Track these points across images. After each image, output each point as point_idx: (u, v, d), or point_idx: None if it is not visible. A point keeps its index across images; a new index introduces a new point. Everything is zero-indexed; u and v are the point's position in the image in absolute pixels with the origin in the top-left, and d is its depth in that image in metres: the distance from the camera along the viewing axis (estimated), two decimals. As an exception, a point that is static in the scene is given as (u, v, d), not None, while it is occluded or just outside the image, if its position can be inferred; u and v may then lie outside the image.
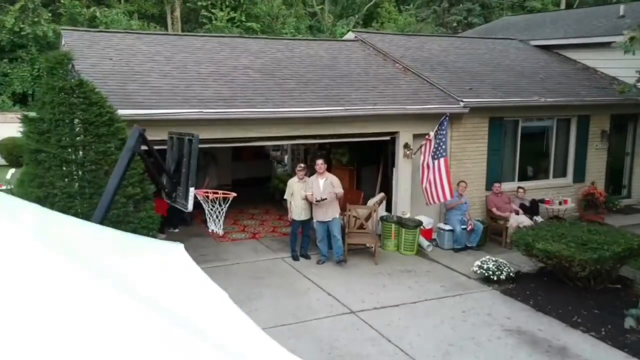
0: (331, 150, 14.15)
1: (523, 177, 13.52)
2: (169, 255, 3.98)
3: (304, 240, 10.95)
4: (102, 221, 5.62)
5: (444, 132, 10.99)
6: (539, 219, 12.37)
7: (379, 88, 11.97)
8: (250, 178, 17.54)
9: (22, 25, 28.50)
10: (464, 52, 15.34)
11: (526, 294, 9.36)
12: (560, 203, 12.95)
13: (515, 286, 9.72)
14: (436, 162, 11.08)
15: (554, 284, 9.64)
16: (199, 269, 3.82)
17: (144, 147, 6.43)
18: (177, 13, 35.23)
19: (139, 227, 8.19)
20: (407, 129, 11.67)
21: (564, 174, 13.99)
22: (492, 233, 12.31)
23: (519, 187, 12.81)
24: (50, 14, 30.52)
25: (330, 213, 10.54)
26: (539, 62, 15.53)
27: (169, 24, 35.11)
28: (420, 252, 11.50)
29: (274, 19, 35.48)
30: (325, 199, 10.34)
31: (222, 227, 7.30)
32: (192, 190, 6.31)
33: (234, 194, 7.13)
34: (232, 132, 10.06)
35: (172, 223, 12.64)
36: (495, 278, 9.70)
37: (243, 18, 33.79)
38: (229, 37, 14.82)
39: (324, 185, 10.46)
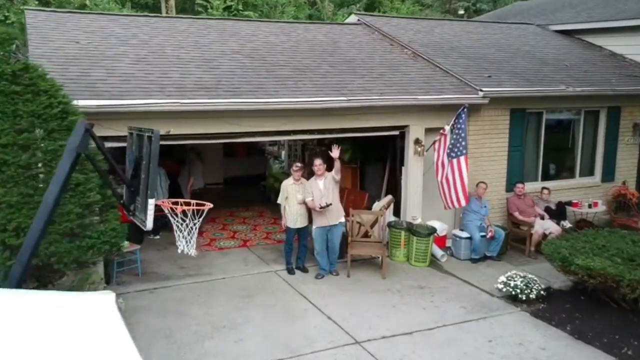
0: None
1: (546, 176, 12.07)
2: (86, 320, 3.32)
3: (300, 250, 9.52)
4: (27, 268, 4.34)
5: (463, 126, 9.53)
6: (566, 224, 10.93)
7: (385, 76, 10.50)
8: (244, 176, 16.12)
9: (7, 14, 27.05)
10: (478, 37, 13.85)
11: (561, 317, 7.93)
12: (590, 206, 11.50)
13: (547, 306, 8.29)
14: (455, 160, 9.62)
15: (593, 304, 8.21)
16: (122, 327, 3.39)
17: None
18: (172, 1, 33.70)
19: (98, 242, 6.76)
20: (418, 122, 10.21)
21: (591, 172, 12.52)
22: (513, 240, 10.87)
23: (543, 188, 11.35)
24: (37, 2, 29.05)
25: (334, 216, 9.11)
26: (560, 48, 14.03)
27: (163, 13, 33.59)
28: (434, 262, 10.07)
29: (272, 8, 33.98)
30: (331, 204, 8.91)
31: (194, 247, 5.83)
32: (151, 202, 4.87)
33: (209, 205, 5.67)
34: (216, 126, 8.62)
35: (153, 230, 11.19)
36: (523, 297, 8.27)
37: (240, 7, 32.28)
38: (216, 20, 13.31)
39: (325, 186, 9.03)
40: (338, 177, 9.07)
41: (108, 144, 7.25)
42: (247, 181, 15.83)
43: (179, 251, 5.87)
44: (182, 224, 5.64)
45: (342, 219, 9.31)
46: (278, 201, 9.41)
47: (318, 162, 9.10)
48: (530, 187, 11.27)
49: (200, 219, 5.75)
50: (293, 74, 9.87)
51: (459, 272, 9.68)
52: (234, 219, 12.67)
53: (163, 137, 8.35)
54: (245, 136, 9.03)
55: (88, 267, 7.17)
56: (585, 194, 12.12)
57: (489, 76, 11.03)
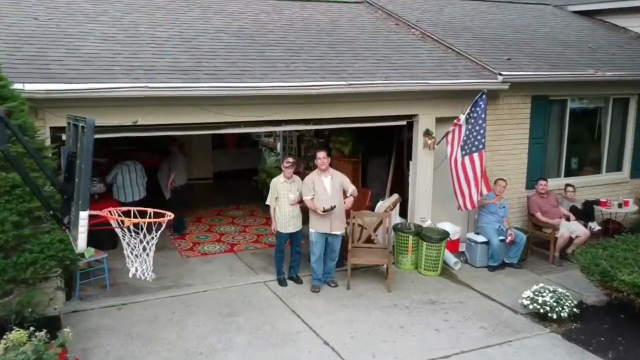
0: (330, 138, 11.43)
1: (568, 171, 10.81)
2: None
3: (293, 257, 8.29)
4: None
5: (482, 115, 8.26)
6: (594, 226, 9.71)
7: (391, 58, 9.22)
8: (236, 170, 14.86)
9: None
10: (491, 18, 12.53)
11: (600, 341, 6.71)
12: (620, 205, 10.24)
13: (581, 327, 7.08)
14: (467, 158, 8.37)
15: (636, 324, 6.99)
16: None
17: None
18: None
19: (41, 257, 5.51)
20: (428, 110, 8.95)
21: (618, 167, 11.27)
22: (534, 244, 9.63)
23: (567, 185, 10.09)
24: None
25: (337, 225, 7.90)
26: (581, 29, 12.72)
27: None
28: (446, 270, 8.84)
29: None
30: (335, 207, 7.68)
31: (151, 269, 4.60)
32: (83, 216, 3.61)
33: (170, 215, 4.43)
34: (194, 115, 7.36)
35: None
36: (554, 316, 7.05)
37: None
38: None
39: (331, 185, 7.79)
40: (353, 191, 7.97)
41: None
42: (239, 176, 14.57)
43: (130, 275, 4.61)
44: (134, 241, 4.38)
45: (344, 230, 8.08)
46: (267, 202, 8.15)
47: (322, 155, 7.84)
48: (552, 183, 9.99)
49: (158, 233, 4.50)
50: (285, 55, 8.59)
51: (475, 283, 8.45)
52: (221, 218, 11.42)
53: (131, 129, 7.16)
54: (228, 127, 7.77)
55: (35, 285, 5.92)
56: (612, 191, 10.88)
57: (508, 59, 9.75)
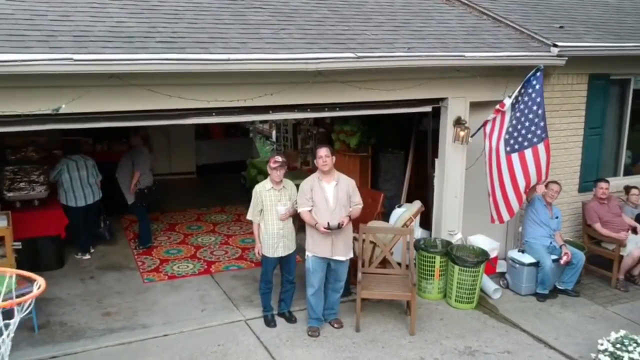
0: (333, 127, 9.35)
1: (629, 169, 8.76)
2: None
3: (285, 288, 6.27)
4: None
5: (537, 98, 6.20)
6: (668, 240, 7.65)
7: (412, 24, 7.13)
8: (223, 163, 12.78)
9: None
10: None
11: None
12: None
13: (683, 395, 5.06)
14: (515, 155, 6.33)
15: None
16: None
17: None
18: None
19: None
20: (460, 92, 6.89)
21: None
22: (590, 262, 7.58)
23: (629, 187, 8.02)
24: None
25: (341, 248, 5.89)
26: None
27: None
28: (482, 299, 6.84)
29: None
30: (342, 224, 5.67)
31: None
32: None
33: (40, 288, 2.39)
34: (143, 100, 5.29)
35: (81, 245, 7.97)
36: (646, 380, 5.04)
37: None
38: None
39: (336, 194, 5.76)
40: (356, 208, 5.95)
41: None
42: (228, 169, 12.50)
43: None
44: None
45: (351, 254, 6.05)
46: (248, 216, 6.10)
47: (323, 153, 5.75)
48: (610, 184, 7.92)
49: (23, 314, 2.50)
50: (273, 19, 6.49)
51: (523, 320, 6.43)
52: (201, 225, 9.38)
53: (52, 120, 5.11)
54: (193, 115, 5.70)
55: None
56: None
57: (561, 27, 7.64)
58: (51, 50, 4.84)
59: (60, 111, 4.93)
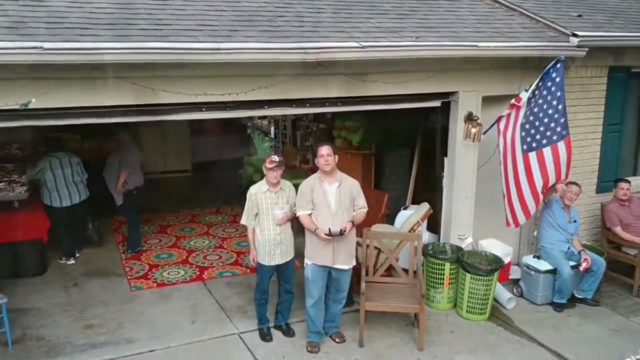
0: (334, 124, 8.83)
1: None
2: None
3: (282, 299, 5.77)
4: None
5: (557, 92, 5.68)
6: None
7: (420, 12, 6.60)
8: (220, 161, 12.25)
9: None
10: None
11: None
12: None
13: None
14: (532, 154, 5.82)
15: None
16: None
17: None
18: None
19: None
20: (472, 86, 6.37)
21: None
22: (609, 268, 7.05)
23: (650, 187, 7.53)
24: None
25: (343, 257, 5.38)
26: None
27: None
28: (496, 309, 6.35)
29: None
30: (344, 231, 5.16)
31: None
32: None
33: None
34: (128, 94, 4.77)
35: (66, 249, 7.48)
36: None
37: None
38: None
39: (338, 197, 5.25)
40: (359, 213, 5.43)
41: None
42: (225, 167, 11.97)
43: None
44: None
45: (354, 262, 5.54)
46: (242, 221, 5.59)
47: (325, 151, 5.22)
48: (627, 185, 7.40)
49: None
50: (269, 6, 5.96)
51: (540, 332, 5.93)
52: (194, 227, 8.88)
53: (21, 115, 4.59)
54: (181, 110, 5.17)
55: None
56: None
57: (579, 15, 7.11)
58: (19, 38, 4.33)
59: (30, 106, 4.42)
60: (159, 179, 10.71)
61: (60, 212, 7.19)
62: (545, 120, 5.71)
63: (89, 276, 7.07)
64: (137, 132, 7.86)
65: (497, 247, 6.76)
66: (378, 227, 6.44)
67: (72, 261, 7.45)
